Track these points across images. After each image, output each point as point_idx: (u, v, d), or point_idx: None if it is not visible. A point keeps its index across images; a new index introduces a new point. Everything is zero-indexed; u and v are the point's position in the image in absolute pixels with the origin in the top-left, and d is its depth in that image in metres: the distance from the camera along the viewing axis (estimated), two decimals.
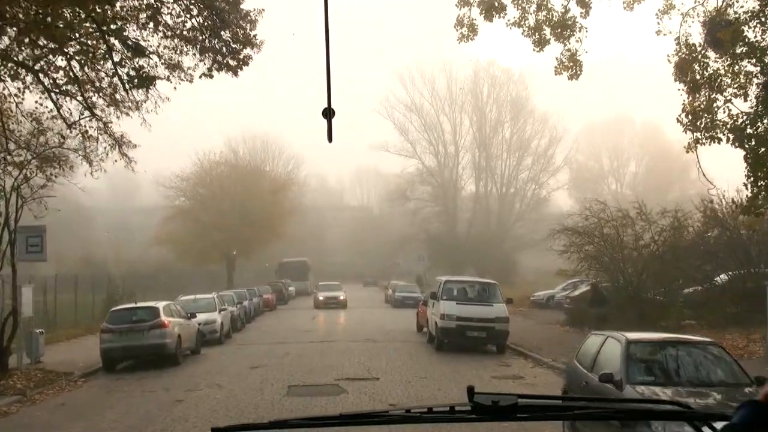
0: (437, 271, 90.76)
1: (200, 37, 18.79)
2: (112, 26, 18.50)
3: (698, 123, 19.70)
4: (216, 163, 68.65)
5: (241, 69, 19.30)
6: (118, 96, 20.64)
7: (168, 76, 19.80)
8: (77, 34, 19.04)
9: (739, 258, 30.69)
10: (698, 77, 19.81)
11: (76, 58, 20.11)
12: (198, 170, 68.37)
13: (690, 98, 20.05)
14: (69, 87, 20.85)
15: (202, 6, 18.48)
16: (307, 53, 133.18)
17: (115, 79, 20.16)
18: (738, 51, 18.87)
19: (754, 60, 18.94)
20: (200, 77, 19.69)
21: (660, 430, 8.92)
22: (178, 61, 19.50)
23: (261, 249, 74.98)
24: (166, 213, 68.46)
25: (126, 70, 19.74)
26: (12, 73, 19.90)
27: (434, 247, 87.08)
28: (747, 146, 18.86)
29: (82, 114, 21.37)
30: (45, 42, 18.67)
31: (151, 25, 18.45)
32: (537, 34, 21.37)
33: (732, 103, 19.57)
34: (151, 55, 19.32)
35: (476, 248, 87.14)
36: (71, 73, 20.36)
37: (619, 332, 12.94)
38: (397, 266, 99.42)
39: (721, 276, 31.17)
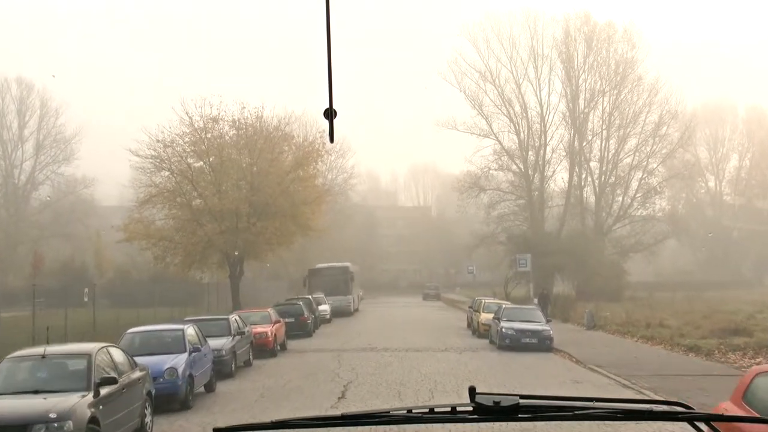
0: (518, 281, 63.72)
1: None
2: None
3: None
4: (213, 120, 41.43)
5: None
6: None
7: None
8: None
9: None
10: None
11: None
12: (189, 131, 41.33)
13: None
14: None
15: None
16: (346, 49, 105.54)
17: None
18: None
19: None
20: None
21: None
22: None
23: (283, 250, 47.75)
24: (140, 194, 41.71)
25: None
26: None
27: (517, 250, 58.56)
28: None
29: None
30: None
31: None
32: None
33: None
34: None
35: (570, 252, 58.66)
36: None
37: None
38: (471, 275, 71.30)
39: None
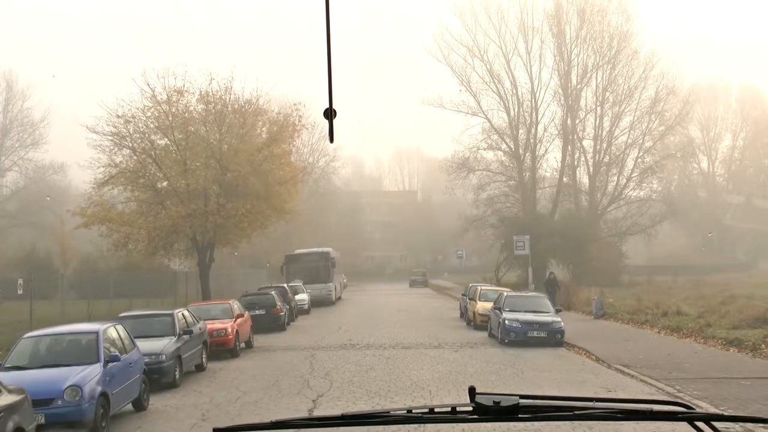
0: (509, 266, 59.68)
1: None
2: None
3: None
4: (178, 92, 36.95)
5: None
6: None
7: None
8: None
9: None
10: None
11: None
12: (152, 105, 36.86)
13: None
14: None
15: None
16: (343, 33, 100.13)
17: None
18: None
19: None
20: None
21: None
22: None
23: (257, 235, 43.32)
24: (98, 175, 37.18)
25: None
26: None
27: (508, 233, 54.35)
28: None
29: None
30: None
31: None
32: None
33: None
34: None
35: (565, 235, 54.73)
36: None
37: None
38: (459, 260, 67.13)
39: None
